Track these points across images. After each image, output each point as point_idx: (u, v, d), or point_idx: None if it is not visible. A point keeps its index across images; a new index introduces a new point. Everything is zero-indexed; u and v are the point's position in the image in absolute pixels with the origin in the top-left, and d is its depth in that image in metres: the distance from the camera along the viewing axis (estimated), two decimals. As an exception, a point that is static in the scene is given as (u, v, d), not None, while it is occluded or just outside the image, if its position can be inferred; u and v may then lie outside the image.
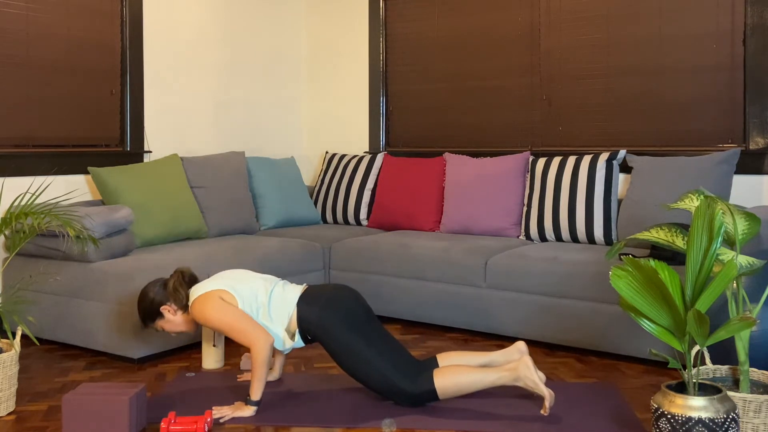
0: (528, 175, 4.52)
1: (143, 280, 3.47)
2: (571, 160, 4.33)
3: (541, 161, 4.46)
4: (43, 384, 3.23)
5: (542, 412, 2.78)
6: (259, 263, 4.00)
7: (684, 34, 4.27)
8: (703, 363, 2.79)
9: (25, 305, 3.50)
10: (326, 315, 2.93)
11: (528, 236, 4.42)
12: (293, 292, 3.02)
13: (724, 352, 2.77)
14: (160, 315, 3.05)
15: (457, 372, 2.86)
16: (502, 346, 3.30)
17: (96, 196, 4.37)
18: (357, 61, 5.59)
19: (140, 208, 4.04)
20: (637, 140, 4.44)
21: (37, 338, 3.09)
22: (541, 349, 3.74)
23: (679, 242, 2.69)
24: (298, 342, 3.01)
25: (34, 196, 3.17)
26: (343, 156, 5.37)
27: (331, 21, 5.73)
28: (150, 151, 4.70)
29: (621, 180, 4.38)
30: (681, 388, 2.39)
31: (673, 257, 3.35)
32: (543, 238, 4.35)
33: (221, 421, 2.78)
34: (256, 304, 2.96)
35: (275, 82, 5.62)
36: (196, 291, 2.99)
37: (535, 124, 4.81)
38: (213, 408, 2.84)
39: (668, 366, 2.56)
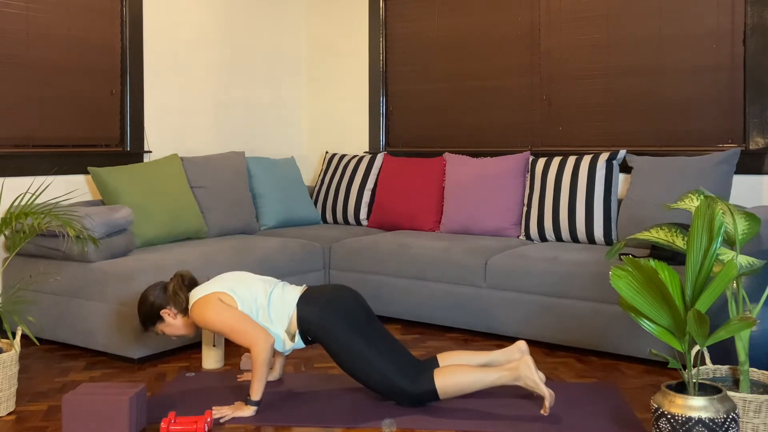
0: (528, 175, 4.52)
1: (143, 280, 3.47)
2: (571, 160, 4.33)
3: (541, 161, 4.46)
4: (43, 384, 3.23)
5: (542, 412, 2.78)
6: (259, 263, 4.00)
7: (684, 34, 4.27)
8: (703, 363, 2.79)
9: (25, 305, 3.50)
10: (326, 316, 2.93)
11: (528, 236, 4.42)
12: (293, 293, 3.03)
13: (724, 352, 2.77)
14: (161, 319, 3.05)
15: (458, 372, 2.86)
16: (501, 346, 3.29)
17: (96, 196, 4.37)
18: (357, 61, 5.59)
19: (140, 208, 4.04)
20: (637, 140, 4.44)
21: (37, 338, 3.09)
22: (541, 349, 3.74)
23: (679, 242, 2.69)
24: (299, 343, 3.01)
25: (34, 196, 3.17)
26: (343, 156, 5.37)
27: (331, 21, 5.73)
28: (150, 151, 4.70)
29: (621, 180, 4.38)
30: (681, 388, 2.39)
31: (673, 257, 3.35)
32: (543, 238, 4.35)
33: (221, 421, 2.78)
34: (255, 306, 2.96)
35: (275, 82, 5.62)
36: (195, 294, 2.99)
37: (535, 124, 4.81)
38: (213, 408, 2.84)
39: (668, 366, 2.56)
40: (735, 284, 2.59)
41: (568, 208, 4.23)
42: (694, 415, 2.24)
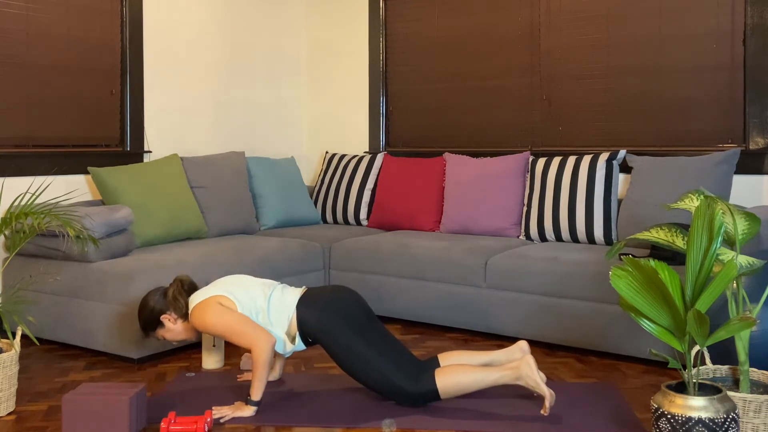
0: (528, 175, 4.52)
1: (143, 280, 3.47)
2: (571, 160, 4.33)
3: (541, 161, 4.46)
4: (43, 384, 3.23)
5: (542, 412, 2.78)
6: (259, 263, 4.00)
7: (684, 34, 4.27)
8: (703, 363, 2.79)
9: (25, 305, 3.49)
10: (326, 317, 2.93)
11: (528, 236, 4.42)
12: (292, 295, 3.03)
13: (724, 352, 2.77)
14: (161, 324, 3.05)
15: (459, 371, 2.86)
16: (502, 346, 3.30)
17: (96, 196, 4.37)
18: (357, 61, 5.59)
19: (140, 208, 4.04)
20: (637, 140, 4.44)
21: (37, 338, 3.09)
22: (541, 349, 3.73)
23: (679, 242, 2.69)
24: (299, 345, 3.01)
25: (34, 196, 3.17)
26: (343, 156, 5.37)
27: (331, 21, 5.73)
28: (150, 151, 4.70)
29: (621, 180, 4.38)
30: (681, 388, 2.39)
31: (673, 257, 3.35)
32: (543, 238, 4.35)
33: (221, 421, 2.78)
34: (255, 309, 2.96)
35: (275, 82, 5.62)
36: (195, 299, 2.99)
37: (535, 124, 4.81)
38: (213, 408, 2.84)
39: (668, 366, 2.56)
40: (735, 284, 2.59)
41: (568, 208, 4.23)
42: (694, 415, 2.24)
